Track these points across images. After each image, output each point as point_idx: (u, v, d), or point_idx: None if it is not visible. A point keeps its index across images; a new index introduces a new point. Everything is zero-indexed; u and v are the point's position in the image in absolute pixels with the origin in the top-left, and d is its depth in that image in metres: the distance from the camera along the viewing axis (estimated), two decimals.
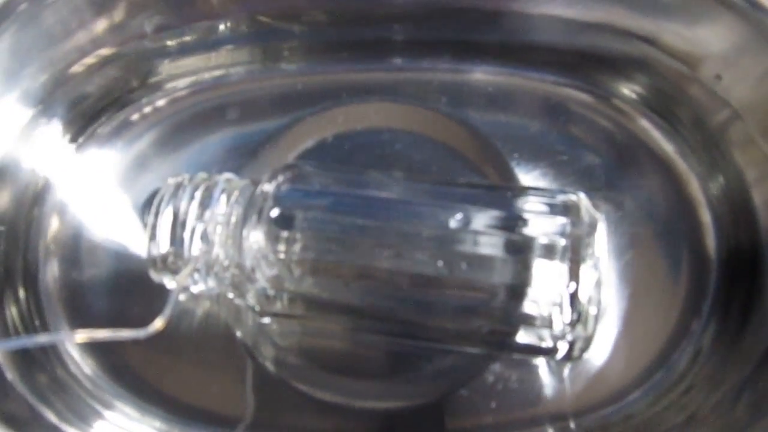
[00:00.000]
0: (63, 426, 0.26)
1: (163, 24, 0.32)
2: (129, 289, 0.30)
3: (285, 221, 0.26)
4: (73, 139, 0.33)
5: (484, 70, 0.34)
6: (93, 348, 0.29)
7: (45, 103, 0.31)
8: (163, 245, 0.27)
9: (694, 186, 0.31)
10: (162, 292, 0.28)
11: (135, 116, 0.34)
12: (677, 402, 0.27)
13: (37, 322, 0.30)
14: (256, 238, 0.26)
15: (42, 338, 0.26)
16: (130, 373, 0.29)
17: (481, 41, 0.33)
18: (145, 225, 0.27)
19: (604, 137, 0.32)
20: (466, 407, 0.28)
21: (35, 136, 0.32)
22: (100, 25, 0.31)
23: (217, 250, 0.26)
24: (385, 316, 0.27)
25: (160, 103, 0.34)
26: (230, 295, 0.28)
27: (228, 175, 0.28)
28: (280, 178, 0.27)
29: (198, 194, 0.27)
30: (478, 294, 0.26)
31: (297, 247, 0.26)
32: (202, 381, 0.29)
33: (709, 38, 0.29)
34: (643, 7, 0.30)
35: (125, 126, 0.34)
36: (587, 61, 0.33)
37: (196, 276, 0.27)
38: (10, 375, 0.26)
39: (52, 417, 0.26)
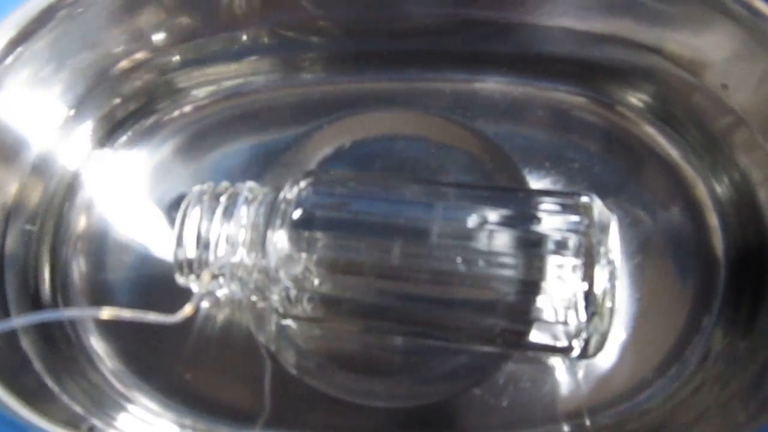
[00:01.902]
0: (86, 416, 0.26)
1: (189, 34, 0.33)
2: (152, 288, 0.30)
3: (306, 222, 0.27)
4: (104, 140, 0.34)
5: (497, 80, 0.34)
6: (118, 343, 0.30)
7: (79, 105, 0.32)
8: (190, 251, 0.27)
9: (701, 189, 0.32)
10: (185, 292, 0.28)
11: (162, 121, 0.34)
12: (689, 399, 0.28)
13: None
14: (279, 239, 0.26)
15: (68, 312, 0.26)
16: (153, 370, 0.29)
17: (494, 52, 0.34)
18: (172, 232, 0.28)
19: (612, 144, 0.33)
20: (479, 405, 0.28)
21: (69, 136, 0.32)
22: (132, 33, 0.32)
23: (242, 253, 0.27)
24: (403, 316, 0.27)
25: (186, 109, 0.35)
26: (253, 298, 0.28)
27: (250, 183, 0.29)
28: (302, 184, 0.28)
29: (223, 200, 0.28)
30: (495, 291, 0.26)
31: (318, 247, 0.26)
32: (223, 379, 0.29)
33: (711, 46, 0.30)
34: (649, 19, 0.31)
35: (153, 130, 0.34)
36: (596, 71, 0.33)
37: (221, 280, 0.27)
38: (37, 365, 0.27)
39: (76, 407, 0.26)
